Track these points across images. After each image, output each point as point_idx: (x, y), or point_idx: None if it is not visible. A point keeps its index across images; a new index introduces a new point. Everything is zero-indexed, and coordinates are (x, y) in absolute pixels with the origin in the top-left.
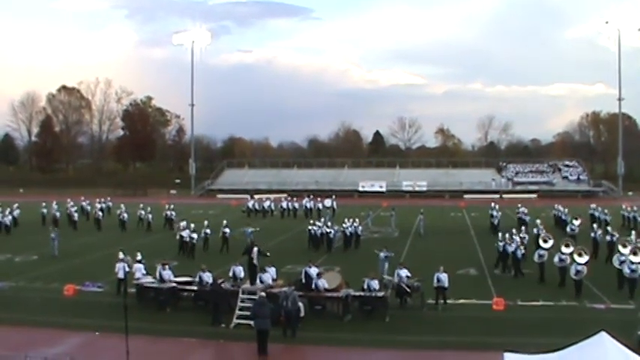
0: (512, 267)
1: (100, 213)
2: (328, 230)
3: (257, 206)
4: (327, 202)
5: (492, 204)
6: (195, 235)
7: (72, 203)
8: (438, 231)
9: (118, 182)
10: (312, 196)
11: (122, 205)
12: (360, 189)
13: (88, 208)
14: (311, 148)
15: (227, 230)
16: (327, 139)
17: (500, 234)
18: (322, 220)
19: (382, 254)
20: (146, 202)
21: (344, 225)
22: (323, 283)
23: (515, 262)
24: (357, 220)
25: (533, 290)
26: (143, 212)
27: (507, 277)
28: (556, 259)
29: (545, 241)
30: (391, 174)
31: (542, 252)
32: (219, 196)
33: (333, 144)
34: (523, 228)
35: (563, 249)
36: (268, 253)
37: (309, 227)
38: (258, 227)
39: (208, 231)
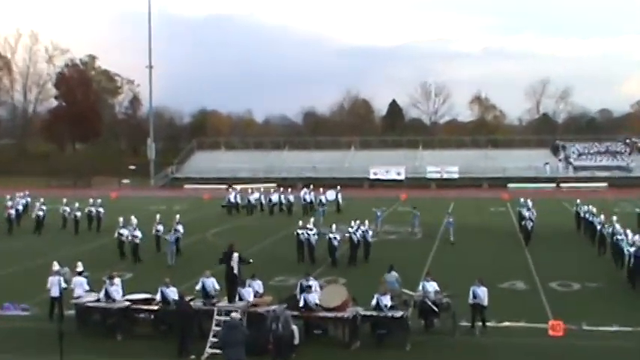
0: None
1: (13, 212)
2: (332, 235)
3: (240, 199)
4: (330, 195)
5: (522, 199)
6: (138, 234)
7: None
8: (474, 231)
9: (52, 169)
10: (312, 187)
11: (42, 199)
12: (372, 176)
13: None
14: (307, 123)
15: (179, 228)
16: (328, 112)
17: (630, 235)
18: (314, 219)
19: (390, 277)
20: (91, 195)
21: (350, 229)
22: (313, 298)
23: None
24: (366, 222)
25: (605, 310)
26: (68, 209)
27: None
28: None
29: None
30: (412, 157)
31: None
32: (187, 186)
33: (336, 118)
34: (625, 227)
35: None
36: (251, 260)
37: (299, 231)
38: (180, 232)
39: (160, 228)
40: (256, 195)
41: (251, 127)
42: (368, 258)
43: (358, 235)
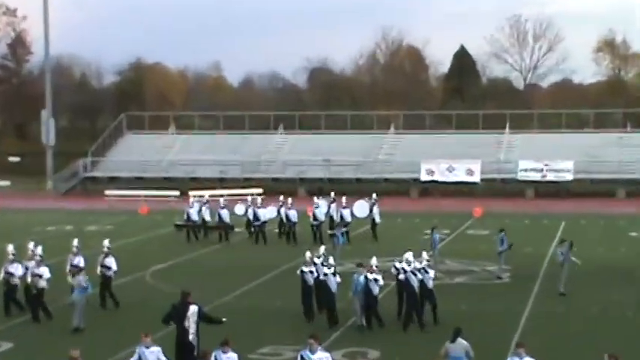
0: None
1: None
2: (373, 276)
3: (208, 215)
4: (360, 209)
5: None
6: (45, 272)
7: None
8: (601, 273)
9: None
10: (334, 195)
11: None
12: (425, 177)
13: None
14: (315, 87)
15: (109, 263)
16: (351, 69)
17: None
18: (324, 248)
19: (455, 349)
20: None
21: (405, 265)
22: None
23: None
24: (423, 255)
25: None
26: None
27: None
28: None
29: None
30: (493, 144)
31: None
32: (111, 192)
33: (364, 79)
34: None
35: None
36: (224, 319)
37: (306, 269)
38: (112, 269)
39: (79, 262)
40: (240, 208)
41: (220, 92)
42: (437, 317)
43: (416, 278)
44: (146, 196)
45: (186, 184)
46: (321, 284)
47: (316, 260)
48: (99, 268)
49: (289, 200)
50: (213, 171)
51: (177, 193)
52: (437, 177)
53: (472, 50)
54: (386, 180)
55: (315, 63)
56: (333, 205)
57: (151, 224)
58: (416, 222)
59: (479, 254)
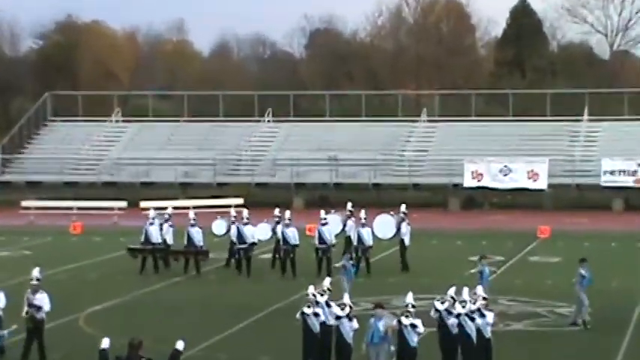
0: None
1: None
2: (407, 321)
3: (170, 236)
4: (383, 227)
5: None
6: None
7: None
8: None
9: None
10: (351, 207)
11: None
12: (469, 183)
13: None
14: (315, 57)
15: (39, 302)
16: (367, 30)
17: None
18: (329, 281)
19: None
20: None
21: (438, 306)
22: None
23: None
24: (478, 290)
25: None
26: None
27: None
28: None
29: None
30: (565, 135)
31: None
32: (29, 203)
33: (386, 45)
34: None
35: None
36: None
37: (308, 310)
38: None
39: None
40: (221, 226)
41: (185, 63)
42: None
43: (473, 324)
44: (80, 208)
45: (136, 192)
46: (329, 331)
47: (320, 298)
48: (25, 308)
49: (287, 214)
50: (174, 173)
51: (123, 204)
52: (486, 182)
53: (537, 5)
54: (415, 186)
55: (317, 23)
56: (350, 222)
57: (87, 248)
58: (457, 244)
59: (545, 291)
